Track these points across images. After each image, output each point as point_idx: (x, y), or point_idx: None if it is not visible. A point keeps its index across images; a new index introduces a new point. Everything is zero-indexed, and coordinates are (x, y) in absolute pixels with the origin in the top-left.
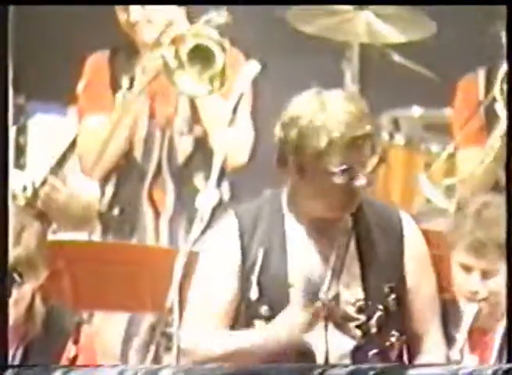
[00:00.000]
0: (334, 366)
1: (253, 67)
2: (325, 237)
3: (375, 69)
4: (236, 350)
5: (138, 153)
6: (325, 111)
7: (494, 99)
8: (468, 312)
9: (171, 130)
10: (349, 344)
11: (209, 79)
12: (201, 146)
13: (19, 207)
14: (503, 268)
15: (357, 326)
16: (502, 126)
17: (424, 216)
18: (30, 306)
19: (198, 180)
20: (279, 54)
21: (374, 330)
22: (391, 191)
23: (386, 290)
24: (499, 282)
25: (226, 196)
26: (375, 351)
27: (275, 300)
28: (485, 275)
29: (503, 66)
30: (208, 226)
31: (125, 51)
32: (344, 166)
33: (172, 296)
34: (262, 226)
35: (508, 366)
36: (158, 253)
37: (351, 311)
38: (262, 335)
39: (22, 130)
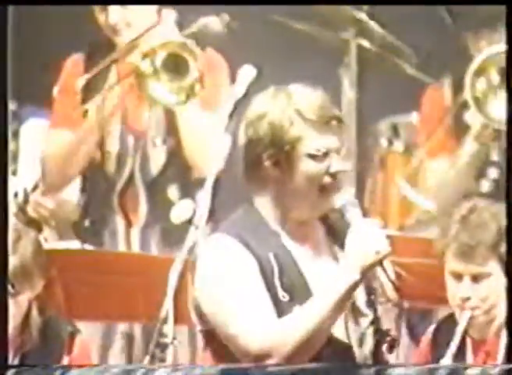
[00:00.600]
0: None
1: (248, 72)
2: (309, 237)
3: (373, 75)
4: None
5: (110, 163)
6: (293, 100)
7: (463, 107)
8: (462, 319)
9: (144, 141)
10: (367, 342)
11: (182, 88)
12: (175, 157)
13: (12, 214)
14: (494, 271)
15: (371, 323)
16: (473, 134)
17: (423, 224)
18: (27, 316)
19: (172, 191)
20: (274, 60)
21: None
22: (389, 198)
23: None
24: (491, 286)
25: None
26: (385, 345)
27: (304, 298)
28: (476, 279)
29: (470, 73)
30: (203, 233)
31: (101, 55)
32: (323, 150)
33: (167, 306)
34: (255, 239)
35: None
36: (152, 262)
37: (362, 306)
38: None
39: (14, 136)
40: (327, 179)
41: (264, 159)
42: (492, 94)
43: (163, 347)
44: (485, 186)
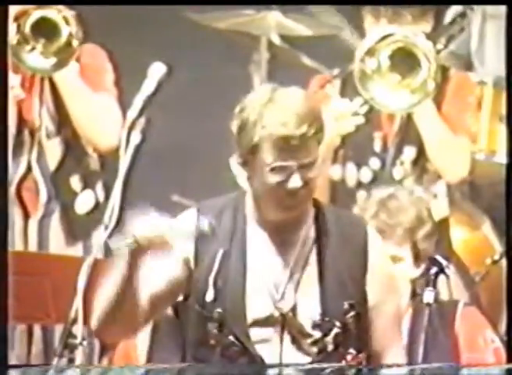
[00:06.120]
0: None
1: (158, 69)
2: (286, 245)
3: (284, 72)
4: None
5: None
6: (266, 106)
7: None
8: None
9: (39, 133)
10: (303, 360)
11: (55, 52)
12: (73, 147)
13: None
14: (407, 257)
15: (313, 343)
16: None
17: None
18: None
19: (74, 181)
20: (185, 55)
21: (330, 347)
22: None
23: (346, 306)
24: (401, 272)
25: (101, 198)
26: (330, 369)
27: (229, 303)
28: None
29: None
30: (113, 232)
31: None
32: (275, 164)
33: (77, 306)
34: (224, 226)
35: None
36: (61, 262)
37: (307, 326)
38: None
39: None
40: (284, 194)
41: (236, 156)
42: (380, 77)
43: (72, 347)
44: (366, 175)
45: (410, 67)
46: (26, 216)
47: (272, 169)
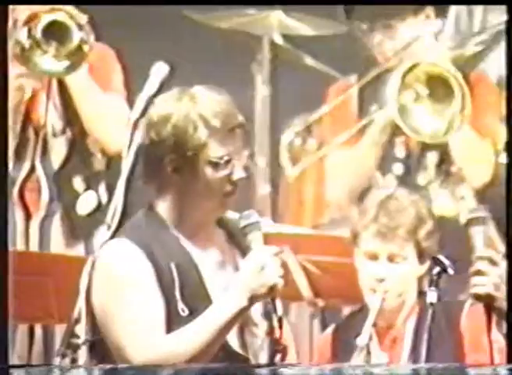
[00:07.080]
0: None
1: (161, 69)
2: (211, 246)
3: (286, 72)
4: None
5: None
6: (198, 104)
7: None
8: (374, 303)
9: (44, 131)
10: (264, 353)
11: (67, 55)
12: (77, 147)
13: None
14: (410, 256)
15: (267, 332)
16: (373, 130)
17: (336, 224)
18: None
19: (77, 182)
20: (187, 55)
21: (277, 332)
22: (304, 199)
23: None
24: (406, 270)
25: (104, 199)
26: (279, 355)
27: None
28: (392, 260)
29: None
30: (116, 232)
31: None
32: (226, 157)
33: (79, 306)
34: (157, 244)
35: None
36: (64, 261)
37: (257, 316)
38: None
39: None
40: (228, 187)
41: (166, 164)
42: (418, 106)
43: (75, 347)
44: (391, 182)
45: (445, 93)
46: (28, 216)
47: (217, 164)
